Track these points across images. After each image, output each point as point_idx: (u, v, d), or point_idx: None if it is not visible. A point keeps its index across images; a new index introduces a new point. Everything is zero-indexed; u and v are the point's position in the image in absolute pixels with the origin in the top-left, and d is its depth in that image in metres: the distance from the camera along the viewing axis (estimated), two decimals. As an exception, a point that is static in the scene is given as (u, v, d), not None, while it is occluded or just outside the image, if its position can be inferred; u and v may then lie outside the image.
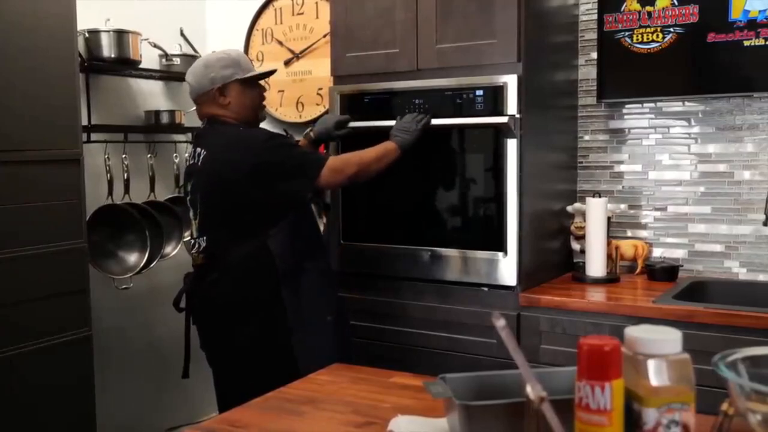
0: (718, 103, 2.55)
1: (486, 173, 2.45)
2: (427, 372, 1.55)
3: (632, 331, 0.96)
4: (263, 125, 2.48)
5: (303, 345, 2.27)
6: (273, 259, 2.25)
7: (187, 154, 3.22)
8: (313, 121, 2.83)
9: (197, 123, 3.25)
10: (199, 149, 2.29)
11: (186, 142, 3.31)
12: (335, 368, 1.67)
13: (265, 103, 2.45)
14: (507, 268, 2.36)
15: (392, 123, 2.42)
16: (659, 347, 0.93)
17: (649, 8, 2.57)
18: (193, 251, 2.32)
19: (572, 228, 2.70)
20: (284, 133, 2.86)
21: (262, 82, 2.44)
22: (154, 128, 3.17)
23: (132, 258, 2.99)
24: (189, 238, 3.22)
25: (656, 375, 0.92)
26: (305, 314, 2.31)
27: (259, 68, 2.97)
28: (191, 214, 2.33)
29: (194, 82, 2.34)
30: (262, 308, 2.23)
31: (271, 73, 2.51)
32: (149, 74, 3.16)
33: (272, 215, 2.27)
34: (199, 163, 2.26)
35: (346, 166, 2.27)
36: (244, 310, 2.22)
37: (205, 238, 2.27)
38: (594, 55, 2.71)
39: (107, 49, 2.89)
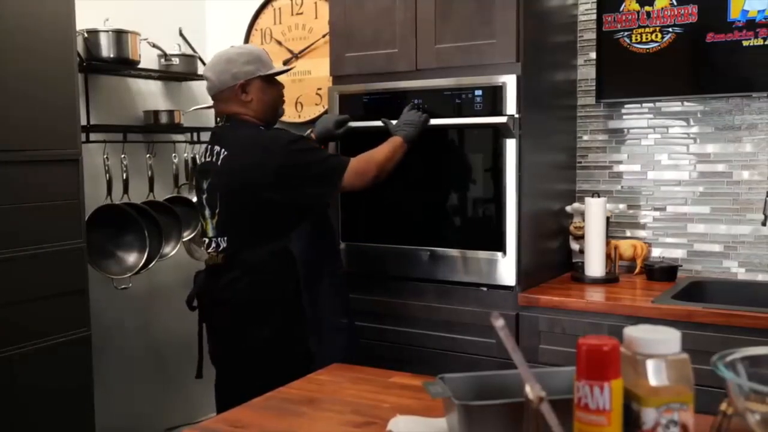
0: (717, 103, 2.55)
1: (485, 173, 2.45)
2: (426, 372, 1.55)
3: (631, 331, 0.96)
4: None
5: (318, 347, 2.27)
6: (294, 261, 2.24)
7: (194, 153, 3.24)
8: (312, 121, 2.83)
9: (196, 123, 3.27)
10: (217, 148, 2.24)
11: (185, 142, 3.31)
12: (335, 368, 1.67)
13: (284, 98, 2.41)
14: (506, 268, 2.36)
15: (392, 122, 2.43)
16: (658, 347, 0.93)
17: (648, 8, 2.57)
18: (210, 250, 2.28)
19: (571, 228, 2.70)
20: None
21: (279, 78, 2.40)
22: (153, 128, 3.17)
23: (131, 258, 2.99)
24: (193, 236, 3.24)
25: (655, 375, 0.92)
26: (322, 317, 2.31)
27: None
28: (207, 213, 2.28)
29: (215, 77, 2.28)
30: (281, 310, 2.22)
31: (291, 69, 2.48)
32: (148, 74, 3.15)
33: (295, 217, 2.27)
34: (219, 163, 2.22)
35: (368, 167, 2.24)
36: (263, 311, 2.20)
37: (225, 238, 2.23)
38: (593, 55, 2.71)
39: (106, 49, 2.89)
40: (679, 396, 0.92)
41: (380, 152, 2.28)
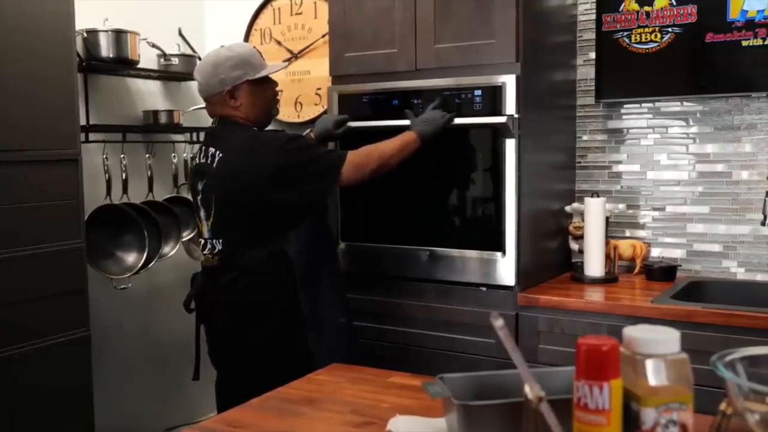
0: (717, 103, 2.55)
1: (484, 173, 2.45)
2: (425, 372, 1.55)
3: (630, 331, 0.96)
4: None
5: (317, 347, 2.26)
6: (291, 262, 2.23)
7: (193, 153, 3.23)
8: (312, 121, 2.83)
9: (195, 123, 3.27)
10: (212, 149, 2.23)
11: (185, 142, 3.31)
12: (334, 368, 1.67)
13: (278, 97, 2.38)
14: (505, 268, 2.36)
15: (391, 123, 2.42)
16: (657, 347, 0.93)
17: (647, 8, 2.57)
18: (206, 252, 2.26)
19: (571, 228, 2.70)
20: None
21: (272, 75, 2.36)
22: (153, 128, 3.17)
23: (130, 258, 2.99)
24: (192, 236, 3.23)
25: (654, 375, 0.92)
26: (320, 316, 2.30)
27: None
28: (203, 214, 2.26)
29: (203, 81, 2.27)
30: (280, 310, 2.21)
31: (280, 68, 2.46)
32: (147, 74, 3.15)
33: (293, 217, 2.26)
34: (214, 165, 2.20)
35: (367, 161, 2.21)
36: (262, 312, 2.20)
37: (221, 240, 2.22)
38: (592, 55, 2.71)
39: (105, 49, 2.88)
40: (679, 396, 0.92)
41: (387, 145, 2.26)
